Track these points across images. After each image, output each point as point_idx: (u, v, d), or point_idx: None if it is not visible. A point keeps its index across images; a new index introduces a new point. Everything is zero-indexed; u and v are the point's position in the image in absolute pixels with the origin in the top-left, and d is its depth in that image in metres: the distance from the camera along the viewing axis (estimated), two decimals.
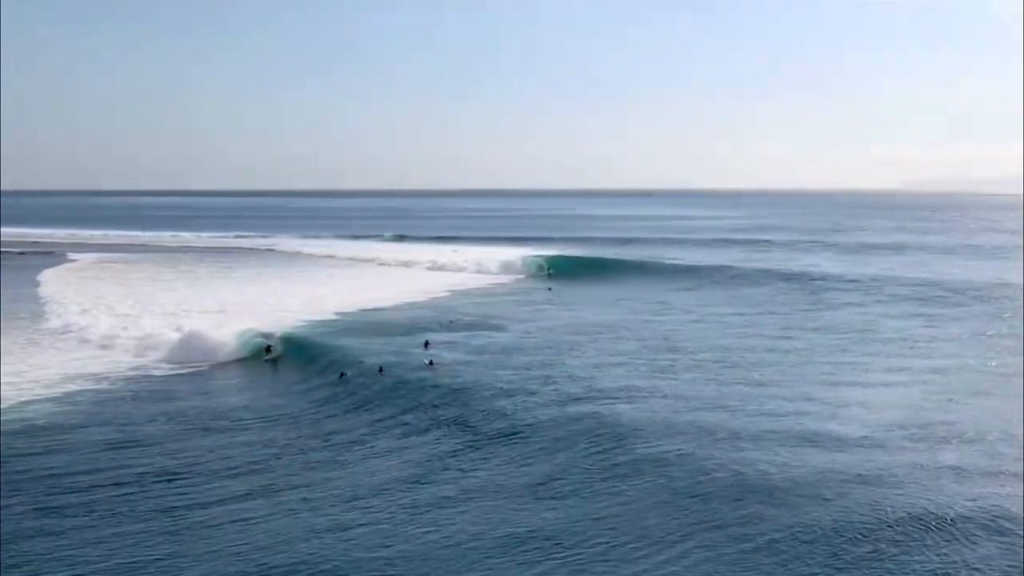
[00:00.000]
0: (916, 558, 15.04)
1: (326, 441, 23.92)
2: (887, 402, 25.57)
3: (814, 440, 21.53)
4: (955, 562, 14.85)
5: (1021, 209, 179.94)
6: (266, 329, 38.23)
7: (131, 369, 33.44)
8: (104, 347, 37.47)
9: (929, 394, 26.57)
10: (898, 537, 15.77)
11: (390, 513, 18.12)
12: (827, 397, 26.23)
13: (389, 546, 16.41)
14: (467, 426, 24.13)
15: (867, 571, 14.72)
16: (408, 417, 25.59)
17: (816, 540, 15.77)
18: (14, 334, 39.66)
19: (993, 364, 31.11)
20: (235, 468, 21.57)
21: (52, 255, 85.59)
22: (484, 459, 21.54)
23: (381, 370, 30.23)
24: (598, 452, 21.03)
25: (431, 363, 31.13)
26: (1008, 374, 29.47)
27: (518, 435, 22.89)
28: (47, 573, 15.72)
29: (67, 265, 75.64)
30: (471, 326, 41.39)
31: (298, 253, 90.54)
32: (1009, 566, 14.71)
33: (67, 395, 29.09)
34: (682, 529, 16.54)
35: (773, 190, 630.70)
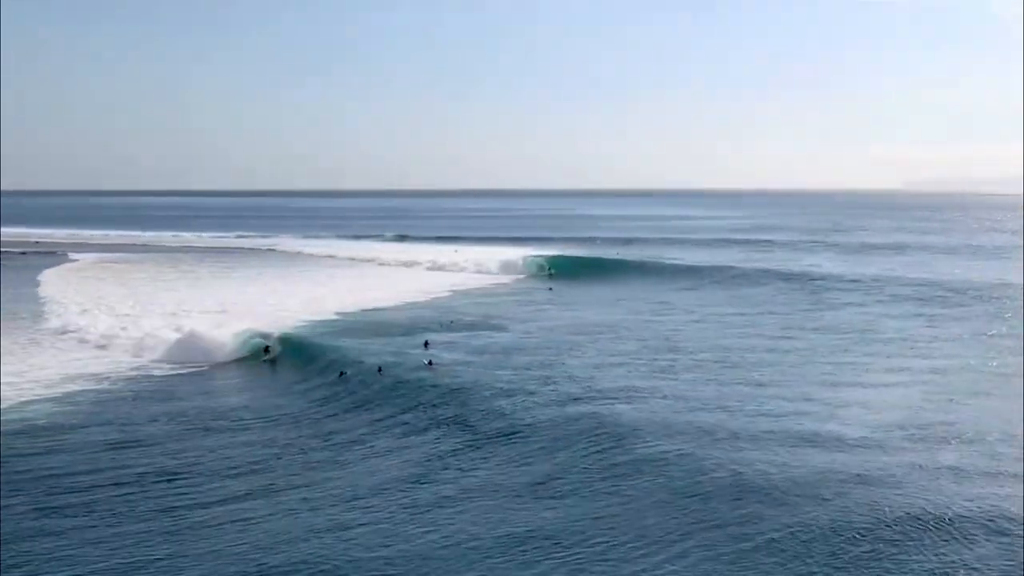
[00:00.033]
0: (915, 558, 15.04)
1: (326, 441, 23.94)
2: (887, 402, 25.58)
3: (814, 440, 21.54)
4: (953, 562, 14.85)
5: (1021, 209, 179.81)
6: (267, 329, 38.25)
7: (131, 369, 33.48)
8: (102, 347, 37.51)
9: (929, 394, 26.57)
10: (897, 537, 15.77)
11: (390, 513, 18.13)
12: (827, 397, 26.23)
13: (389, 546, 16.42)
14: (467, 426, 24.14)
15: (866, 571, 14.73)
16: (407, 416, 25.61)
17: (815, 540, 15.77)
18: (15, 334, 39.70)
19: (994, 364, 31.11)
20: (235, 468, 21.59)
21: (53, 255, 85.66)
22: (484, 459, 21.55)
23: (380, 370, 30.25)
24: (598, 452, 21.03)
25: (430, 363, 31.15)
26: (1008, 374, 29.47)
27: (518, 435, 22.90)
28: (47, 573, 15.73)
29: (68, 265, 75.70)
30: (471, 326, 41.41)
31: (299, 253, 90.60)
32: (1008, 566, 14.71)
33: (67, 395, 29.12)
34: (681, 529, 16.55)
35: (773, 190, 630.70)
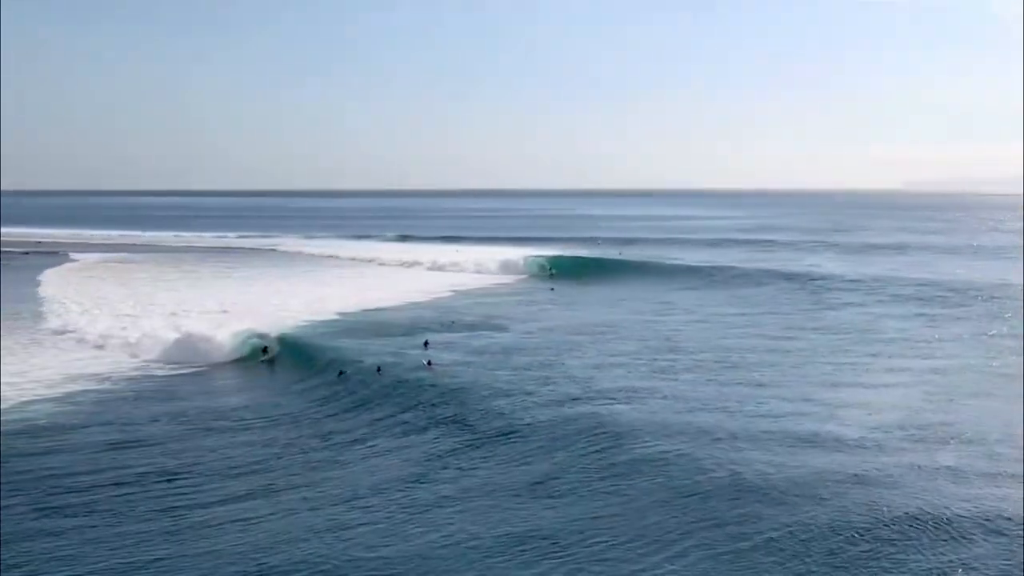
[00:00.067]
0: (913, 558, 15.05)
1: (325, 441, 23.97)
2: (887, 403, 25.57)
3: (813, 440, 21.54)
4: (952, 562, 14.85)
5: (1021, 209, 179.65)
6: (268, 329, 38.27)
7: (131, 370, 33.52)
8: (100, 347, 37.52)
9: (930, 395, 26.56)
10: (896, 537, 15.77)
11: (389, 513, 18.15)
12: (827, 397, 26.23)
13: (389, 546, 16.44)
14: (466, 426, 24.15)
15: (864, 570, 14.73)
16: (407, 416, 25.62)
17: (814, 539, 15.77)
18: (16, 334, 39.73)
19: (994, 365, 31.10)
20: (235, 468, 21.61)
21: (55, 255, 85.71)
22: (483, 459, 21.56)
23: (379, 369, 30.26)
24: (597, 452, 21.04)
25: (429, 363, 31.14)
26: (1009, 375, 29.45)
27: (517, 435, 22.91)
28: (47, 573, 15.76)
29: (69, 265, 75.75)
30: (472, 326, 41.42)
31: (300, 253, 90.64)
32: (1007, 567, 14.70)
33: (67, 395, 29.15)
34: (680, 528, 16.55)
35: (773, 190, 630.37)
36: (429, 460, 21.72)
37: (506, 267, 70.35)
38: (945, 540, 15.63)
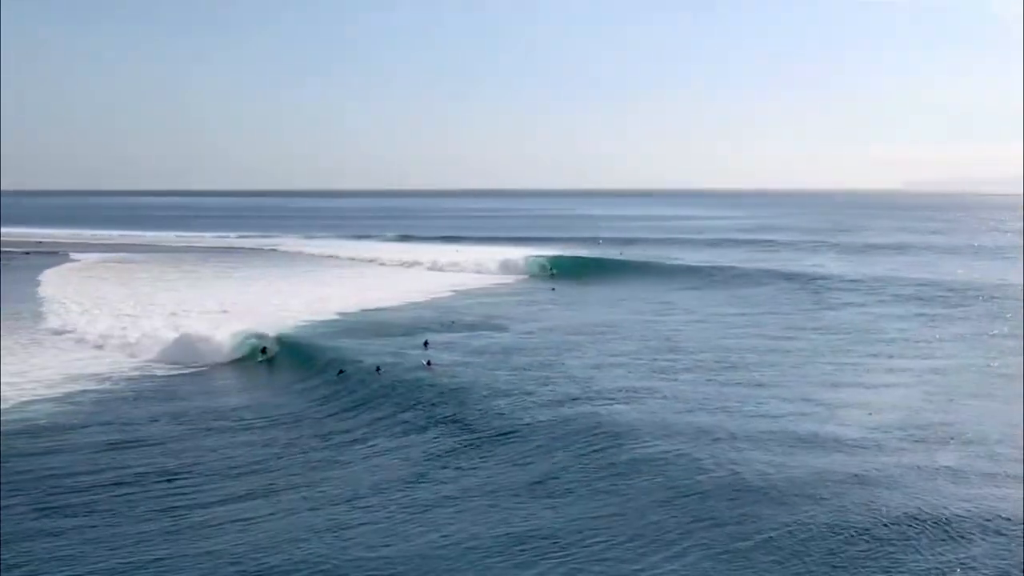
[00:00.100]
0: (912, 558, 15.05)
1: (325, 441, 23.96)
2: (887, 403, 25.57)
3: (813, 440, 21.53)
4: (951, 562, 14.85)
5: (1022, 209, 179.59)
6: (268, 329, 38.26)
7: (131, 370, 33.51)
8: (99, 347, 37.51)
9: (930, 395, 26.55)
10: (895, 537, 15.77)
11: (389, 513, 18.15)
12: (827, 398, 26.22)
13: (389, 545, 16.44)
14: (466, 425, 24.14)
15: (863, 570, 14.73)
16: (407, 416, 25.60)
17: (813, 539, 15.78)
18: (16, 334, 39.74)
19: (994, 365, 31.09)
20: (235, 468, 21.61)
21: (56, 255, 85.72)
22: (483, 458, 21.56)
23: (378, 369, 30.25)
24: (596, 451, 21.04)
25: (429, 363, 31.13)
26: (1009, 375, 29.43)
27: (517, 435, 22.90)
28: (47, 573, 15.75)
29: (70, 265, 75.74)
30: (472, 326, 41.42)
31: (300, 253, 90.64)
32: (1006, 568, 14.69)
33: (67, 395, 29.14)
34: (680, 528, 16.55)
35: (773, 190, 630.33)
36: (429, 460, 21.72)
37: (507, 267, 70.32)
38: (944, 540, 15.63)
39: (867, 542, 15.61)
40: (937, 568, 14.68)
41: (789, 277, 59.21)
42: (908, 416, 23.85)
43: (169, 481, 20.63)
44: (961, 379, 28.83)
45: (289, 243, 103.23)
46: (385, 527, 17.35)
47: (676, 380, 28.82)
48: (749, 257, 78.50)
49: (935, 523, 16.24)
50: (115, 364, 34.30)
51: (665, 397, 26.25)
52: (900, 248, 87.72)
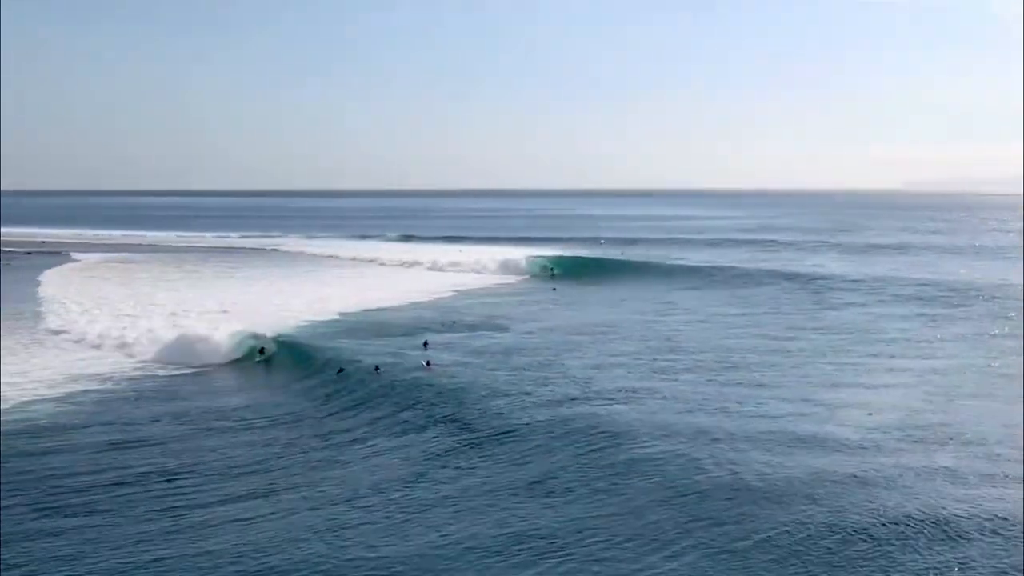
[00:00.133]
0: (911, 558, 15.04)
1: (324, 441, 23.98)
2: (887, 403, 25.56)
3: (813, 441, 21.53)
4: (950, 562, 14.85)
5: (1022, 209, 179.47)
6: (269, 330, 38.28)
7: (131, 370, 33.54)
8: (99, 347, 37.51)
9: (930, 395, 26.55)
10: (894, 537, 15.76)
11: (389, 513, 18.16)
12: (827, 398, 26.21)
13: (388, 545, 16.45)
14: (465, 425, 24.13)
15: (862, 570, 14.73)
16: (406, 415, 25.60)
17: (812, 539, 15.77)
18: (17, 334, 39.77)
19: (995, 365, 31.08)
20: (235, 468, 21.63)
21: (57, 255, 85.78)
22: (482, 458, 21.56)
23: (377, 369, 30.25)
24: (595, 451, 21.04)
25: (428, 363, 31.12)
26: (1010, 375, 29.42)
27: (516, 434, 22.90)
28: (47, 573, 15.77)
29: (71, 265, 75.82)
30: (473, 326, 41.43)
31: (301, 253, 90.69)
32: (1006, 568, 14.68)
33: (68, 395, 29.17)
34: (678, 528, 16.56)
35: (773, 190, 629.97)
36: (428, 459, 21.73)
37: (507, 267, 70.35)
38: (943, 540, 15.63)
39: (866, 542, 15.61)
40: (936, 568, 14.68)
41: (790, 277, 59.21)
42: (908, 416, 23.84)
43: (169, 481, 20.64)
44: (961, 379, 28.82)
45: (290, 243, 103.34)
46: (385, 527, 17.36)
47: (676, 380, 28.82)
48: (750, 257, 78.51)
49: (934, 523, 16.24)
50: (115, 364, 34.33)
51: (665, 397, 26.25)
52: (901, 248, 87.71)
